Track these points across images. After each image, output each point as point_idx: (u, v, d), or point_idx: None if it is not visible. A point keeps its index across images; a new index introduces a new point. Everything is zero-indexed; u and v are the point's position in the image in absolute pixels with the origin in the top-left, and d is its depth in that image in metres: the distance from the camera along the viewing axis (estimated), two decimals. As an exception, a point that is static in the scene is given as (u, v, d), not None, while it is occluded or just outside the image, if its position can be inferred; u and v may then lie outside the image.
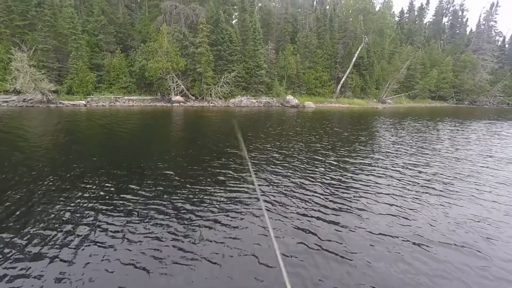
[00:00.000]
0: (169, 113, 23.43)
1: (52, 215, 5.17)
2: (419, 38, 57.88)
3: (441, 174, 8.61)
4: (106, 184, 6.72)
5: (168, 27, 29.03)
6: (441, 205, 6.32)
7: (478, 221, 5.63)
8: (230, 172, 8.02)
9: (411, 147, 12.45)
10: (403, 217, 5.64)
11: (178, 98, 29.01)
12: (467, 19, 68.18)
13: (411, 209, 6.02)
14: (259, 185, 7.07)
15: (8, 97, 23.15)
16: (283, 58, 36.13)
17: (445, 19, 68.46)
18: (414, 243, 4.74)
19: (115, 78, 28.65)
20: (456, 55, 54.65)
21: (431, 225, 5.39)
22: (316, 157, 10.12)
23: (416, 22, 62.39)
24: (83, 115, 20.18)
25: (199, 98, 30.76)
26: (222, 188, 6.80)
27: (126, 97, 27.77)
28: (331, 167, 8.87)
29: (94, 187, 6.54)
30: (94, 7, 29.47)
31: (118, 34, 31.13)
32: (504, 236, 5.09)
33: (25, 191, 6.18)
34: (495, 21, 58.56)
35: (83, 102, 24.61)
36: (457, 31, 66.31)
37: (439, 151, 11.85)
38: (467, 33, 64.93)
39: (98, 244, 4.38)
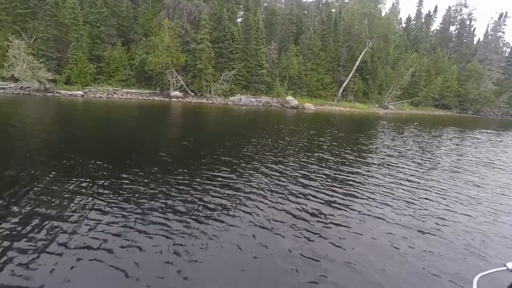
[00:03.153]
0: (167, 107, 23.18)
1: (55, 202, 5.01)
2: (425, 45, 57.22)
3: (436, 178, 8.25)
4: (109, 171, 6.71)
5: (170, 22, 28.81)
6: (433, 204, 6.11)
7: (472, 222, 5.55)
8: (226, 166, 7.84)
9: (407, 151, 12.06)
10: (394, 213, 5.66)
11: (177, 93, 28.76)
12: (475, 28, 66.98)
13: (402, 205, 6.06)
14: (254, 179, 6.99)
15: (5, 83, 23.00)
16: (286, 58, 35.77)
17: (452, 28, 67.54)
18: (404, 238, 4.77)
19: (115, 71, 28.45)
20: (462, 64, 53.93)
21: (421, 220, 5.47)
22: (313, 156, 9.91)
23: (423, 29, 61.79)
24: (80, 105, 20.01)
25: (198, 94, 30.48)
26: (220, 180, 6.74)
27: (124, 90, 27.53)
28: (328, 166, 8.67)
29: (97, 172, 6.55)
30: (97, -1, 29.29)
31: (120, 27, 31.00)
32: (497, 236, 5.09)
33: (28, 173, 6.13)
34: (503, 32, 57.64)
35: (80, 92, 24.38)
36: (464, 40, 65.38)
37: (436, 157, 11.44)
38: (474, 42, 64.15)
39: (105, 231, 4.25)
